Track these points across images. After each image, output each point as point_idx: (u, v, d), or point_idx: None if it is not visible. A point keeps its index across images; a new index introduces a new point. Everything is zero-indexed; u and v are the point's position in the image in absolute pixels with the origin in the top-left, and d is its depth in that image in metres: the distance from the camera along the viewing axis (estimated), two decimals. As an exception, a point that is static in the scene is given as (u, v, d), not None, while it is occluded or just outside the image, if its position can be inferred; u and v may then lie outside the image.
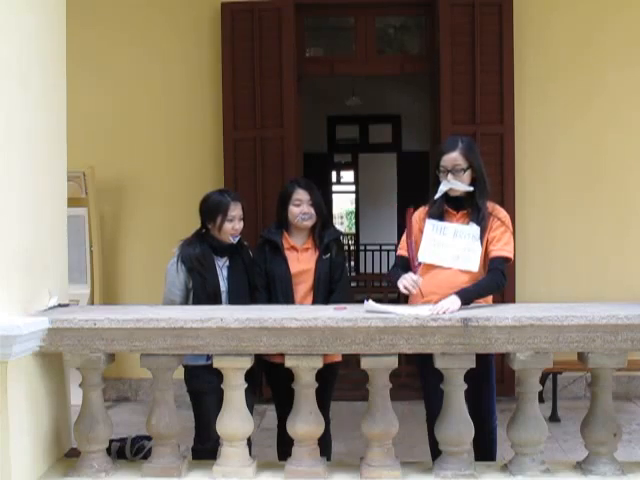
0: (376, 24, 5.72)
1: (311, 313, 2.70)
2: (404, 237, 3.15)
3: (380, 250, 10.92)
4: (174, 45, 5.47)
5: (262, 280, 3.35)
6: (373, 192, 11.58)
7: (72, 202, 3.55)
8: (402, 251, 3.18)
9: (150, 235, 5.45)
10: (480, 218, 3.08)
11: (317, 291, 3.31)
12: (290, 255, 3.35)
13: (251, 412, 2.91)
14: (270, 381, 3.38)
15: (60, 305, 2.87)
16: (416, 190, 7.47)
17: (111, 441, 2.85)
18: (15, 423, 2.48)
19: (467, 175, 3.08)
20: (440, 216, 3.15)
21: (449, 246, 3.08)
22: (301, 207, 3.34)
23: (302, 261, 3.35)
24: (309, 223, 3.36)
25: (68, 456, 2.85)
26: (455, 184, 3.07)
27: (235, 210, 3.31)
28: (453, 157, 3.08)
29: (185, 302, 3.27)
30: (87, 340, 2.61)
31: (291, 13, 5.28)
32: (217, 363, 2.67)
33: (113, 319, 2.60)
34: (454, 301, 2.77)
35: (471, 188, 3.08)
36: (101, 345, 2.62)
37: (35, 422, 2.64)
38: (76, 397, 2.86)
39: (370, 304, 2.73)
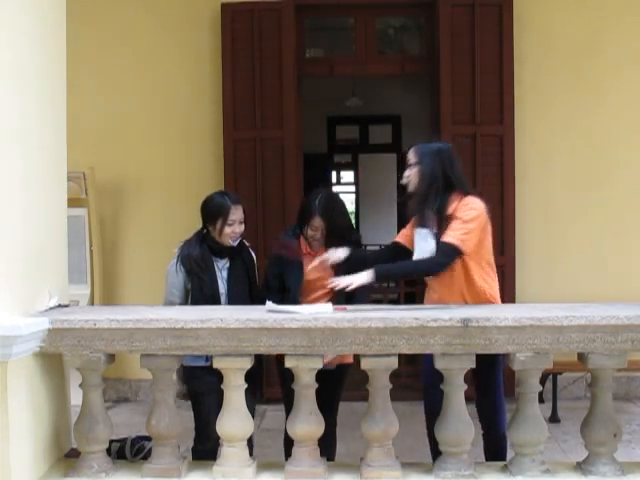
0: (376, 24, 5.72)
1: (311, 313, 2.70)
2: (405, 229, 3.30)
3: (380, 250, 10.90)
4: (174, 45, 5.47)
5: (276, 282, 3.36)
6: (373, 193, 11.56)
7: (72, 202, 3.54)
8: (397, 238, 3.31)
9: (150, 235, 5.45)
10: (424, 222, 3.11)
11: (336, 297, 3.25)
12: (307, 261, 3.34)
13: (253, 414, 2.91)
14: (282, 381, 3.36)
15: (60, 305, 2.87)
16: (416, 190, 7.50)
17: (111, 441, 2.85)
18: (15, 423, 2.48)
19: (414, 171, 3.13)
20: (426, 222, 3.15)
21: (428, 250, 3.08)
22: (315, 233, 3.35)
23: (318, 267, 3.31)
24: (319, 245, 3.38)
25: (68, 456, 2.85)
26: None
27: (235, 214, 3.28)
28: (409, 152, 3.20)
29: (185, 303, 3.27)
30: (87, 340, 2.61)
31: (291, 13, 5.29)
32: (217, 363, 2.67)
33: (113, 319, 2.60)
34: (363, 276, 2.94)
35: (405, 180, 3.15)
36: (101, 345, 2.62)
37: (35, 422, 2.64)
38: (76, 397, 2.86)
39: (270, 305, 2.78)
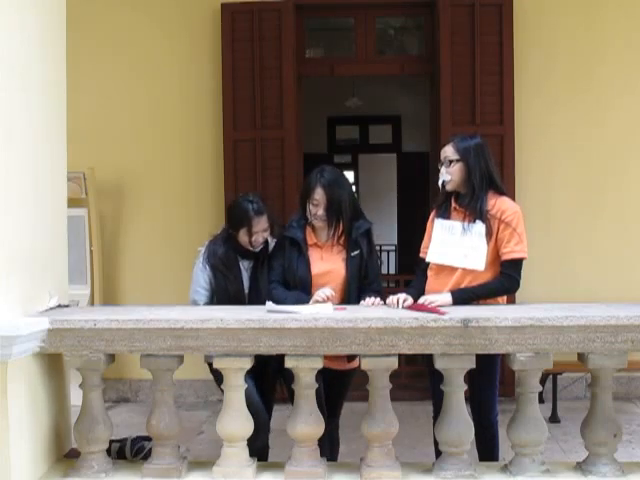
0: (376, 25, 5.72)
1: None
2: (425, 238, 3.23)
3: (380, 250, 10.90)
4: (174, 46, 5.47)
5: (279, 275, 3.19)
6: (373, 193, 11.57)
7: (72, 202, 3.54)
8: (422, 254, 3.23)
9: (150, 235, 5.45)
10: (482, 217, 3.05)
11: (349, 292, 3.15)
12: (313, 253, 3.19)
13: (270, 413, 3.08)
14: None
15: (60, 306, 2.87)
16: (416, 191, 7.50)
17: (111, 442, 2.85)
18: (15, 424, 2.48)
19: (457, 168, 3.07)
20: (448, 214, 3.14)
21: (457, 245, 3.06)
22: (317, 208, 3.14)
23: (327, 260, 3.19)
24: (323, 224, 3.19)
25: (68, 456, 2.85)
26: (443, 175, 3.09)
27: (258, 225, 3.17)
28: (445, 149, 3.13)
29: (211, 302, 3.22)
30: (87, 341, 2.61)
31: (291, 13, 5.29)
32: (217, 364, 2.67)
33: (113, 319, 2.60)
34: (444, 297, 2.87)
35: (448, 177, 3.07)
36: (101, 346, 2.62)
37: (35, 423, 2.64)
38: (76, 397, 2.86)
39: (270, 305, 2.77)
